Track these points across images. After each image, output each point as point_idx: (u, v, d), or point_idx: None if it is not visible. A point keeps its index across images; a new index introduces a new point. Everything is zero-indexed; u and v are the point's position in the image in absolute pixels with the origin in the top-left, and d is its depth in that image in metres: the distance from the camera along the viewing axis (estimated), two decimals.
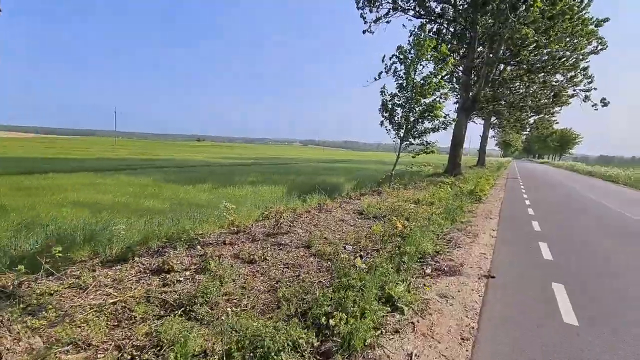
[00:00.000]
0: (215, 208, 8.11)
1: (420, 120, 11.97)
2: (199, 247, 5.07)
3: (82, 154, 27.49)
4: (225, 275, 4.14)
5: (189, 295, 3.49)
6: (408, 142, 12.57)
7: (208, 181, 11.92)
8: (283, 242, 5.89)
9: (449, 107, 59.70)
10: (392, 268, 3.50)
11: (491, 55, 18.12)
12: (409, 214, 7.57)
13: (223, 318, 3.00)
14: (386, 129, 12.42)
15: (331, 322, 2.43)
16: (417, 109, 12.01)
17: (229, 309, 3.19)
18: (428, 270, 3.90)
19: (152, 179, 11.99)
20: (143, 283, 3.99)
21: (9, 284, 3.53)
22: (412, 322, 2.97)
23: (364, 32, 20.00)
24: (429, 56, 11.65)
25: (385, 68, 13.05)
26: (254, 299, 3.60)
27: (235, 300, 3.57)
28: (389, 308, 2.90)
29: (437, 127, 12.10)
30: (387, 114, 12.26)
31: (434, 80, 11.79)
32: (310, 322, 2.60)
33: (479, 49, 21.34)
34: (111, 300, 3.42)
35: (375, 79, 14.04)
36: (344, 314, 2.48)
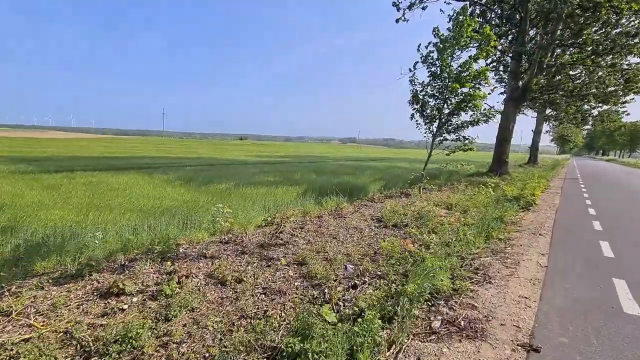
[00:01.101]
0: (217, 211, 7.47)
1: (456, 113, 10.42)
2: (168, 262, 4.32)
3: (126, 152, 28.79)
4: (181, 303, 3.33)
5: (114, 336, 2.69)
6: (442, 138, 11.06)
7: (225, 181, 11.40)
8: (275, 256, 4.99)
9: (495, 98, 55.04)
10: (381, 317, 2.43)
11: (546, 37, 15.68)
12: (435, 224, 6.29)
13: None
14: (416, 123, 11.01)
15: None
16: (452, 99, 10.47)
17: None
18: (436, 324, 2.64)
19: (168, 177, 11.76)
20: (82, 310, 3.30)
21: None
22: None
23: (397, 20, 18.43)
24: (468, 39, 10.07)
25: (421, 58, 11.51)
26: (198, 346, 2.73)
27: (174, 345, 2.73)
28: None
29: (476, 119, 10.46)
30: (417, 106, 10.84)
31: (474, 66, 10.19)
32: None
33: (530, 32, 18.80)
34: (20, 338, 2.73)
35: (410, 70, 12.51)
36: None
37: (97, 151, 29.28)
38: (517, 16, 16.98)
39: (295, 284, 4.01)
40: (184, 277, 4.00)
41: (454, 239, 4.87)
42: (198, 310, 3.38)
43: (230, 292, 3.81)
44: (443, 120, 10.67)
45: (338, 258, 4.84)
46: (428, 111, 10.73)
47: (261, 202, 8.79)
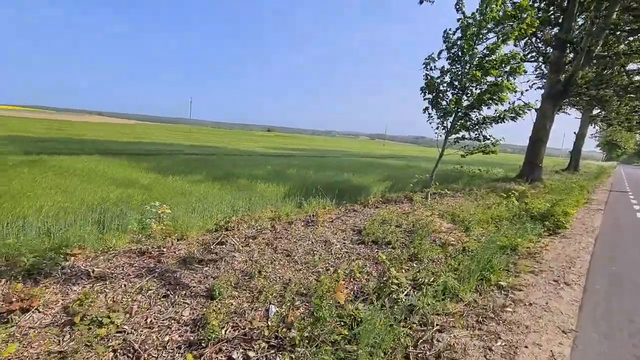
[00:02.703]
0: (176, 205, 6.36)
1: (476, 106, 8.57)
2: (19, 285, 3.14)
3: (145, 138, 28.57)
4: None
5: None
6: (459, 136, 9.25)
7: (208, 172, 10.27)
8: (188, 281, 3.72)
9: (533, 95, 50.61)
10: None
11: (598, 21, 13.15)
12: (424, 247, 4.73)
13: None
14: (429, 115, 9.23)
15: None
16: (474, 89, 8.64)
17: None
18: None
19: (149, 165, 10.84)
20: None
21: None
22: None
23: (420, 1, 16.41)
24: (498, 14, 8.16)
25: (446, 44, 9.30)
26: None
27: None
28: None
29: (501, 115, 8.57)
30: (431, 96, 9.05)
31: (504, 49, 8.31)
32: None
33: (579, 20, 16.13)
34: None
35: (435, 60, 10.10)
36: None
37: (114, 136, 29.41)
38: None
39: (169, 337, 2.69)
40: (18, 310, 2.80)
41: (431, 280, 3.32)
42: None
43: (71, 344, 2.56)
44: (460, 114, 8.87)
45: (268, 291, 3.48)
46: (444, 103, 8.94)
47: (233, 199, 7.56)
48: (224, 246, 4.80)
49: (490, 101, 8.29)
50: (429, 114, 9.26)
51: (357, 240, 5.58)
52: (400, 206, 8.72)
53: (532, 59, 17.30)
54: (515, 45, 13.06)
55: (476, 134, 8.96)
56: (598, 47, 13.86)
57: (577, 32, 15.62)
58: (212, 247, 4.65)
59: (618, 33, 13.97)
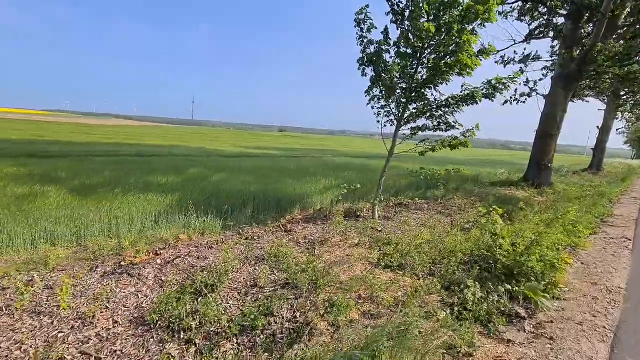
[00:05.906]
0: None
1: (432, 80, 5.77)
2: None
3: (125, 140, 26.54)
4: None
5: None
6: (415, 127, 6.47)
7: (84, 180, 7.85)
8: None
9: (543, 81, 46.07)
10: None
11: None
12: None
13: None
14: (371, 97, 6.48)
15: None
16: (430, 55, 5.87)
17: None
18: None
19: (35, 169, 8.57)
20: None
21: None
22: None
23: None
24: None
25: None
26: None
27: None
28: None
29: (471, 94, 5.73)
30: (372, 69, 6.31)
31: None
32: None
33: None
34: None
35: (370, 17, 7.16)
36: None
37: (92, 137, 27.58)
38: None
39: None
40: None
41: None
42: None
43: None
44: (414, 93, 6.10)
45: None
46: (387, 78, 6.16)
47: (55, 220, 5.12)
48: None
49: (451, 70, 5.49)
50: (373, 95, 6.52)
51: (144, 323, 2.95)
52: (325, 227, 6.04)
53: (541, 35, 14.09)
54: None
55: (437, 122, 6.16)
56: (625, 11, 10.67)
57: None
58: None
59: None
